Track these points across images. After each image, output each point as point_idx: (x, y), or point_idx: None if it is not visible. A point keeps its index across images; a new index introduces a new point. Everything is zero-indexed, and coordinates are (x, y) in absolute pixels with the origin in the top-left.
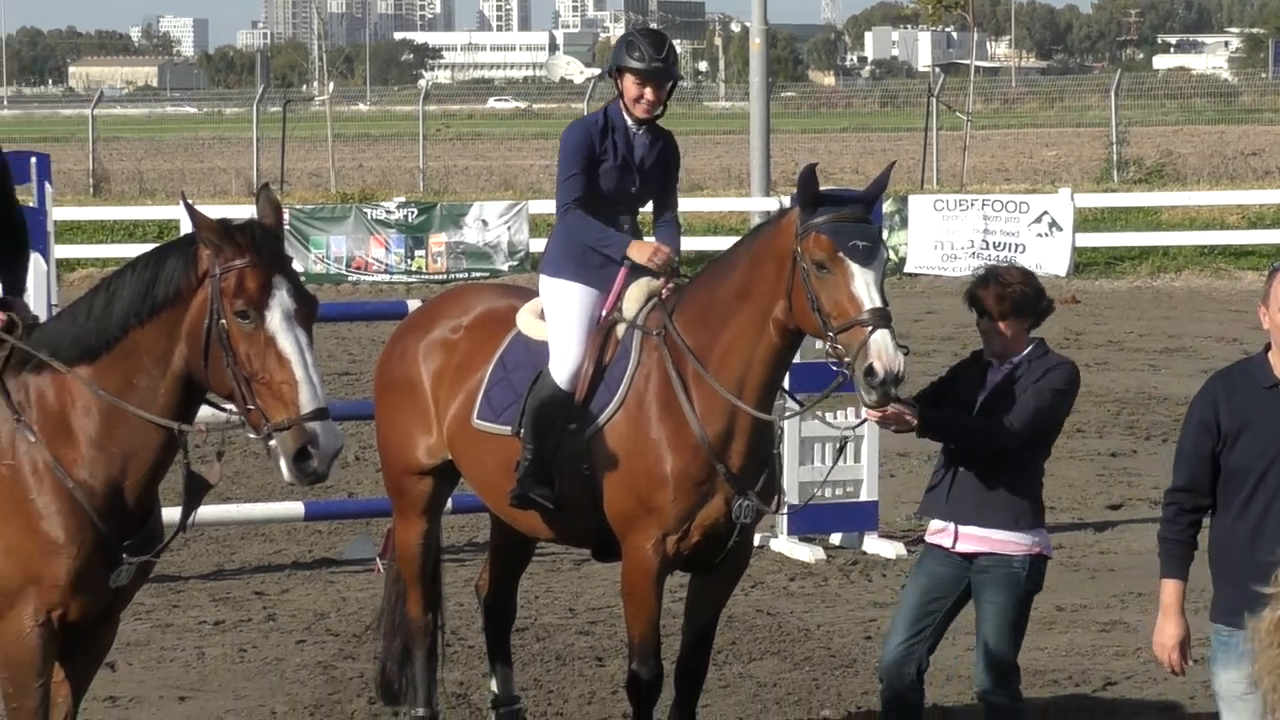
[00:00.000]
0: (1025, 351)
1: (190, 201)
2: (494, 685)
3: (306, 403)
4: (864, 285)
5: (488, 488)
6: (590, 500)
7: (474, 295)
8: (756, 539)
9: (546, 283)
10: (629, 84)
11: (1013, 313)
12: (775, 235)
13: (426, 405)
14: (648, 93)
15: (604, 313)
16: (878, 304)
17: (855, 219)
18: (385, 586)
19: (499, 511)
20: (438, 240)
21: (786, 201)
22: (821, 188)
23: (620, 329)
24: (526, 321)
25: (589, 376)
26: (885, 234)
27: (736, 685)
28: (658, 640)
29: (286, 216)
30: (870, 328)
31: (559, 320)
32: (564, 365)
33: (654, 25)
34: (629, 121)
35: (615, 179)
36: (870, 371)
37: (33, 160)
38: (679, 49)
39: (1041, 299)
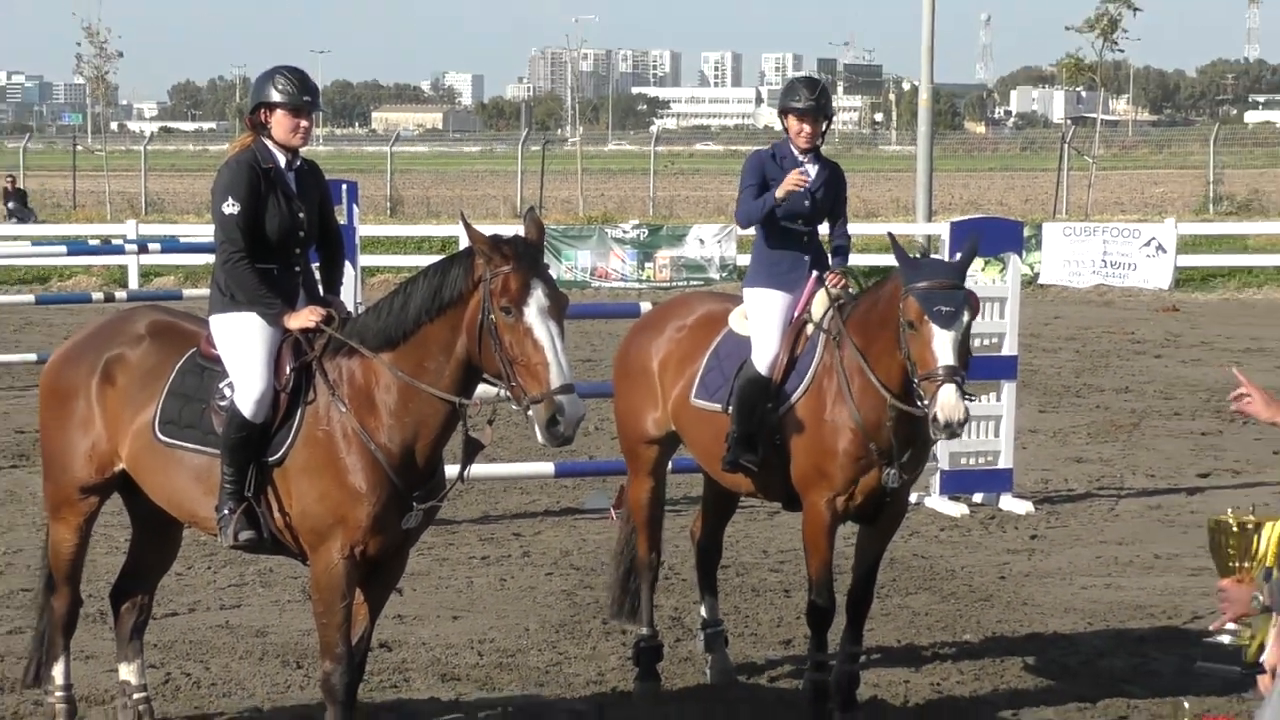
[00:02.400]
0: None
1: (468, 221)
2: (703, 611)
3: (555, 380)
4: (941, 344)
5: (703, 453)
6: (782, 464)
7: (695, 301)
8: (914, 498)
9: (750, 292)
10: (791, 121)
11: None
12: (887, 295)
13: (655, 388)
14: (806, 127)
15: (796, 313)
16: (950, 362)
17: (944, 286)
18: (619, 531)
19: (712, 472)
20: (663, 255)
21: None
22: (924, 255)
23: (809, 328)
24: (736, 321)
25: (784, 365)
26: (1023, 254)
27: (896, 614)
28: (830, 577)
29: (548, 234)
30: (940, 382)
31: (760, 320)
32: (764, 356)
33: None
34: (795, 152)
35: (790, 200)
36: (934, 420)
37: (344, 187)
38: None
39: None
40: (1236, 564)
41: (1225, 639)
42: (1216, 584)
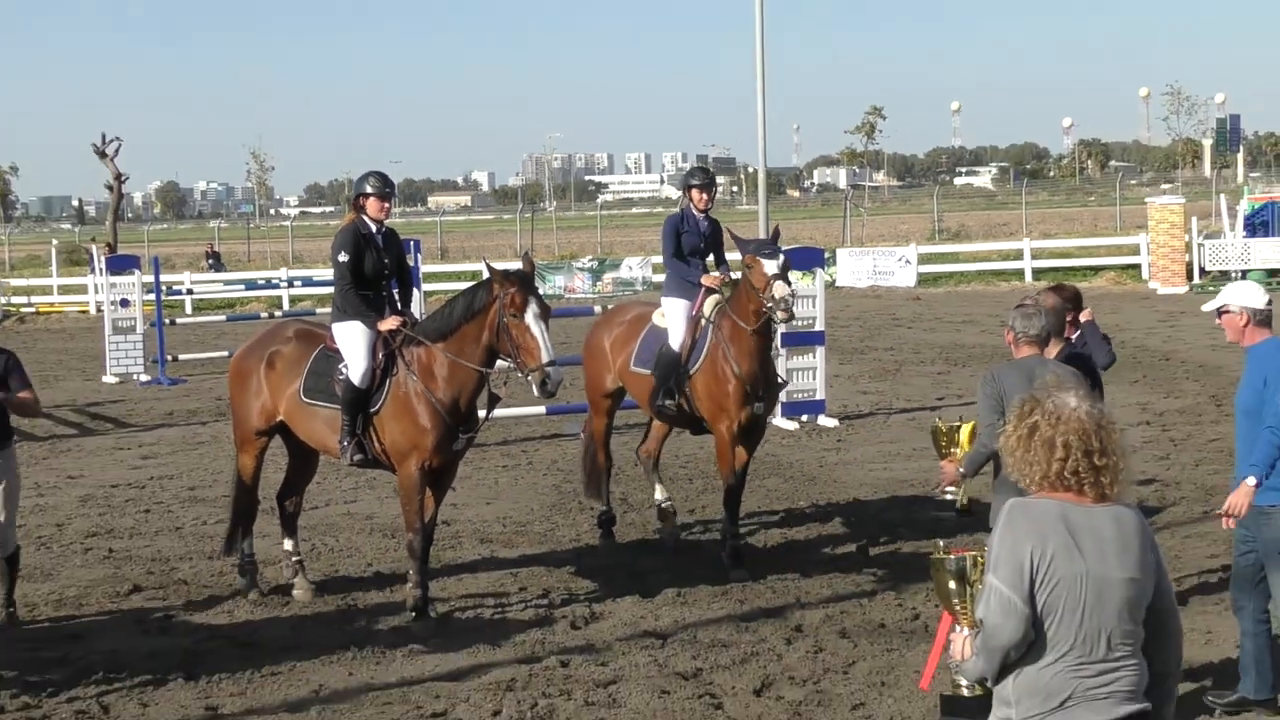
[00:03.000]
0: None
1: (489, 263)
2: (657, 495)
3: (544, 358)
4: (769, 267)
5: (640, 399)
6: (690, 406)
7: (631, 307)
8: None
9: (665, 300)
10: (694, 193)
11: None
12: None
13: (608, 361)
14: (705, 195)
15: (694, 313)
16: (776, 272)
17: (766, 243)
18: (582, 447)
19: (648, 411)
20: (608, 277)
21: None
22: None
23: (703, 322)
24: (657, 318)
25: (688, 345)
26: (825, 268)
27: (755, 491)
28: (735, 472)
29: (537, 267)
30: (771, 282)
31: (672, 318)
32: (675, 339)
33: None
34: (696, 213)
35: (692, 243)
36: (771, 300)
37: (412, 243)
38: (722, 181)
39: None
40: (947, 451)
41: (948, 496)
42: (939, 464)
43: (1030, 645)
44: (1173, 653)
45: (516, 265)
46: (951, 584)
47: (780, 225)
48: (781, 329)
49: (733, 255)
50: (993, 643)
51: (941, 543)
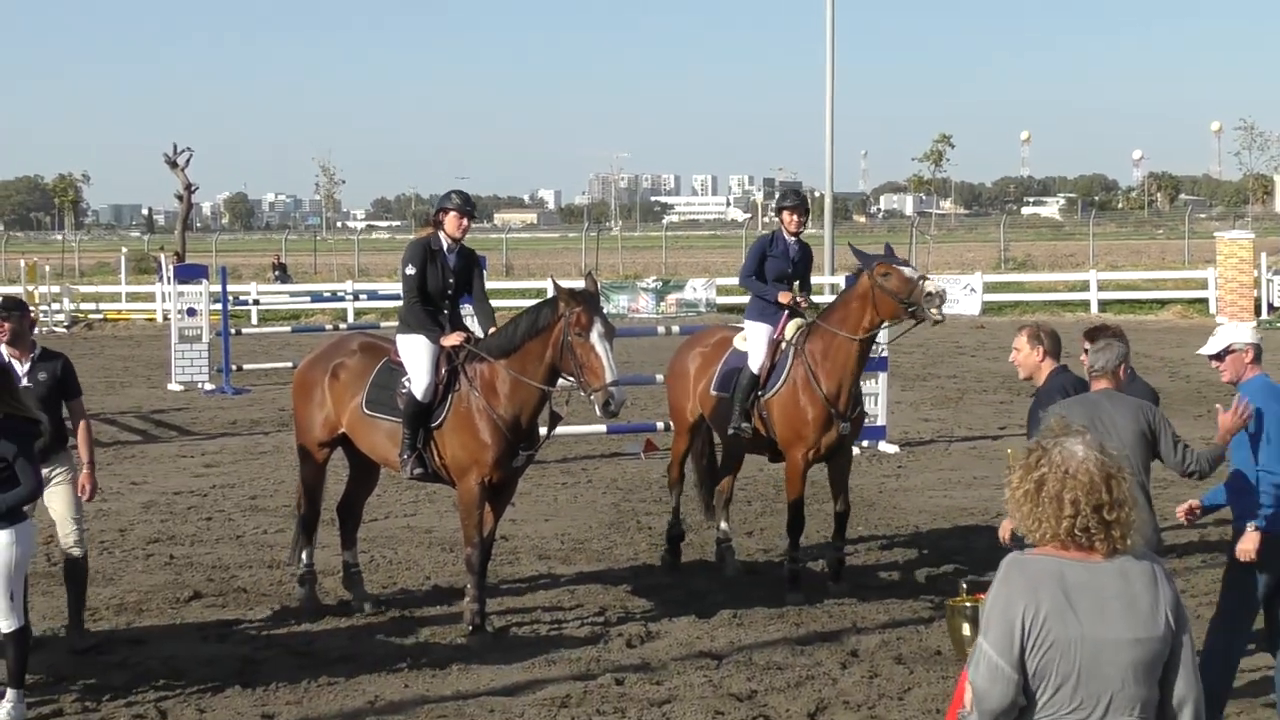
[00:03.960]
0: None
1: (557, 281)
2: (722, 526)
3: (609, 378)
4: (911, 272)
5: (720, 425)
6: (767, 430)
7: (714, 330)
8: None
9: (748, 323)
10: (786, 215)
11: None
12: (857, 286)
13: (690, 385)
14: (795, 218)
15: (775, 336)
16: (920, 273)
17: (889, 254)
18: (693, 469)
19: (719, 433)
20: (671, 298)
21: (842, 280)
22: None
23: (783, 344)
24: (739, 342)
25: (767, 369)
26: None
27: (816, 515)
28: (802, 503)
29: (600, 286)
30: (921, 280)
31: (753, 341)
32: (755, 362)
33: (776, 193)
34: (787, 237)
35: (779, 268)
36: (929, 295)
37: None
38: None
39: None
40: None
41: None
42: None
43: (1023, 710)
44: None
45: (581, 284)
46: (965, 630)
47: (846, 252)
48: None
49: (826, 279)
50: (982, 707)
51: (964, 584)
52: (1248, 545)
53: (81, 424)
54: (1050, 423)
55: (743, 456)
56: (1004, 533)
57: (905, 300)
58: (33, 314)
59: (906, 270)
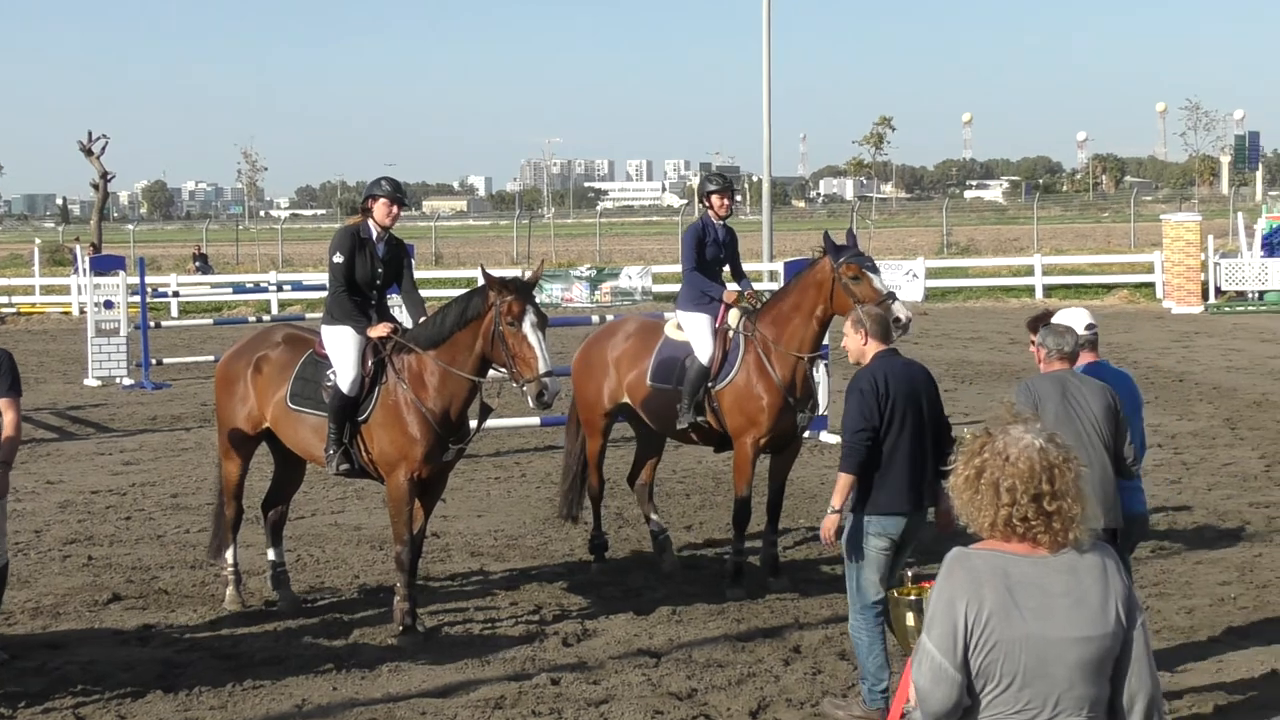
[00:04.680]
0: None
1: (487, 270)
2: (652, 526)
3: (542, 368)
4: (879, 282)
5: (658, 417)
6: (719, 422)
7: (631, 321)
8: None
9: (683, 314)
10: (714, 199)
11: None
12: (815, 272)
13: (611, 374)
14: (725, 202)
15: (718, 325)
16: (890, 289)
17: (861, 253)
18: (568, 470)
19: (664, 430)
20: (606, 286)
21: (782, 266)
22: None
23: (730, 333)
24: (671, 331)
25: (719, 358)
26: None
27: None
28: (751, 493)
29: (539, 275)
30: (891, 301)
31: (696, 331)
32: (704, 353)
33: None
34: (715, 222)
35: (714, 253)
36: (897, 321)
37: (407, 247)
38: None
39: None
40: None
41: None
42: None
43: (967, 710)
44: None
45: (515, 272)
46: (910, 621)
47: (784, 237)
48: None
49: (756, 265)
50: (925, 708)
51: (909, 572)
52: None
53: (10, 423)
54: (999, 410)
55: (662, 445)
56: (826, 530)
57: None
58: None
59: (877, 282)
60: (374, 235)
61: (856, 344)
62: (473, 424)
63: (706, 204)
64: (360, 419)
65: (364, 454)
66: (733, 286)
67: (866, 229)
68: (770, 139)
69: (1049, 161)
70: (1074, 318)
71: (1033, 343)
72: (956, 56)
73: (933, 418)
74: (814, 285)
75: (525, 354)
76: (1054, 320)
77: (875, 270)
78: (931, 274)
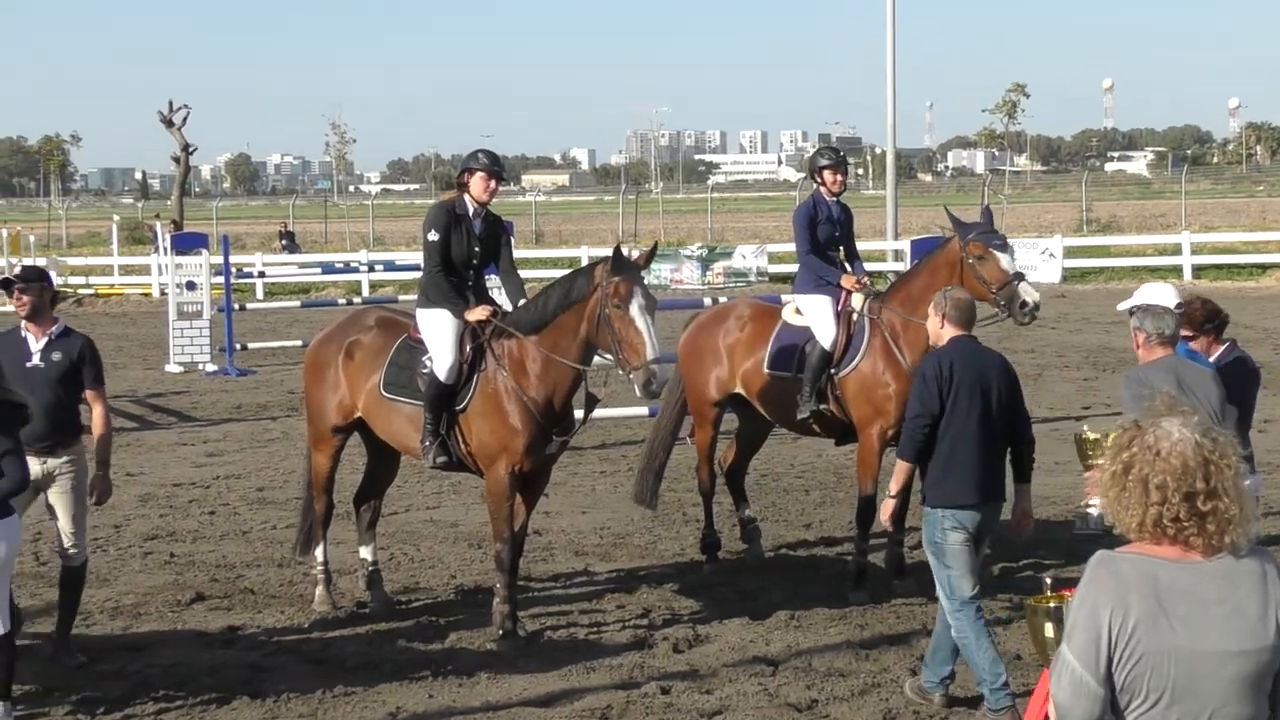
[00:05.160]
0: None
1: (621, 244)
2: (743, 513)
3: (650, 354)
4: (1006, 262)
5: (776, 407)
6: (842, 411)
7: (746, 303)
8: None
9: (802, 297)
10: (826, 175)
11: None
12: (946, 252)
13: (724, 362)
14: (837, 177)
15: (839, 309)
16: (1019, 269)
17: (991, 230)
18: (652, 448)
19: (783, 422)
20: (718, 266)
21: (908, 245)
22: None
23: (855, 316)
24: (790, 316)
25: (842, 343)
26: None
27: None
28: (876, 489)
29: (651, 256)
30: (1016, 282)
31: (817, 315)
32: (827, 338)
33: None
34: (828, 198)
35: (827, 232)
36: (1023, 305)
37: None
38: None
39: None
40: (1094, 462)
41: (1092, 511)
42: (1084, 475)
43: None
44: None
45: (630, 251)
46: (1048, 631)
47: (910, 214)
48: None
49: (876, 244)
50: None
51: (1048, 578)
52: None
53: (99, 417)
54: (1155, 401)
55: (763, 437)
56: (885, 514)
57: (996, 291)
58: (58, 288)
59: (1003, 260)
60: (470, 212)
61: (934, 327)
62: (578, 415)
63: (818, 180)
64: (458, 408)
65: (462, 446)
66: (852, 274)
67: (999, 204)
68: (894, 108)
69: (1198, 131)
70: (1160, 294)
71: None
72: (1096, 17)
73: (1006, 409)
74: (945, 266)
75: (632, 339)
76: (1139, 298)
77: (1003, 248)
78: (1070, 253)
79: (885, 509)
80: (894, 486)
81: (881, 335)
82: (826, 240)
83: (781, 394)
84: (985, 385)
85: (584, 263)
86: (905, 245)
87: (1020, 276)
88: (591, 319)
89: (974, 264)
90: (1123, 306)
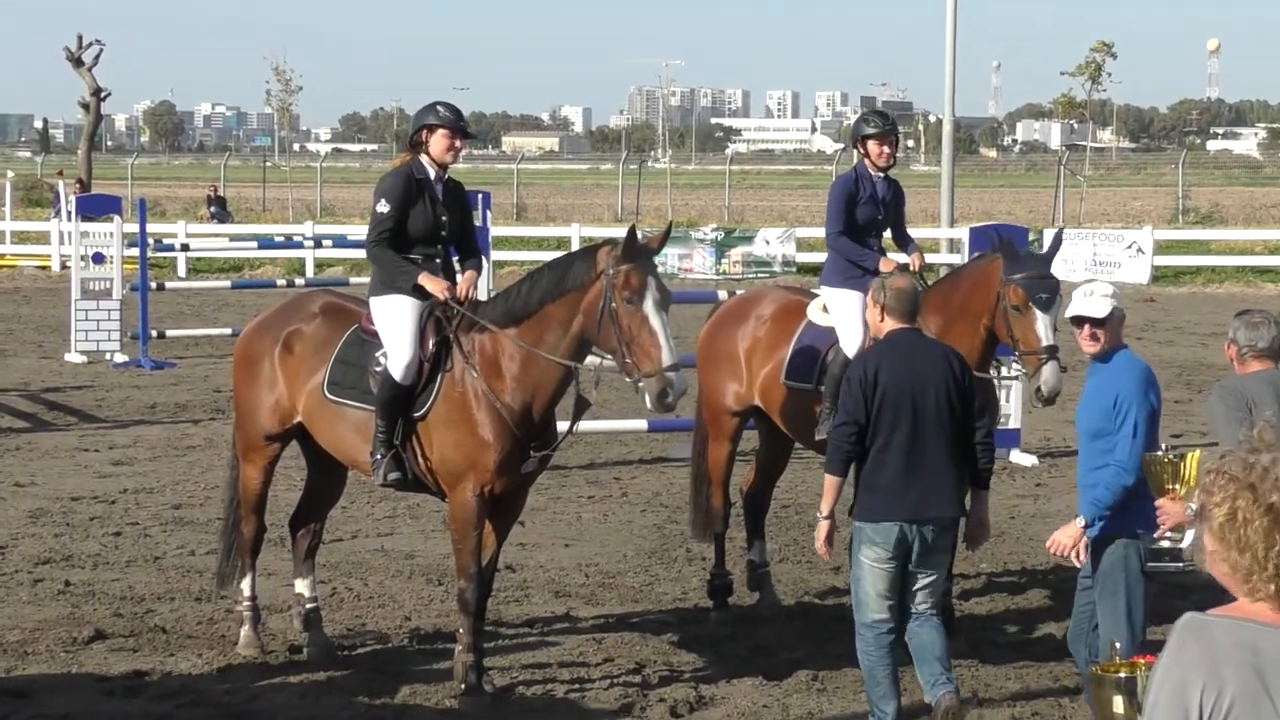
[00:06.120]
0: None
1: (635, 226)
2: (752, 554)
3: (666, 360)
4: (1043, 327)
5: (792, 423)
6: None
7: (769, 295)
8: None
9: (829, 291)
10: (871, 145)
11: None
12: (986, 270)
13: (740, 370)
14: (884, 149)
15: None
16: (1052, 342)
17: (1042, 276)
18: (694, 481)
19: (804, 441)
20: (736, 253)
21: (966, 234)
22: (1019, 248)
23: None
24: (815, 314)
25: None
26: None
27: None
28: None
29: (665, 239)
30: (1045, 360)
31: (843, 314)
32: (852, 344)
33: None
34: (873, 173)
35: (868, 214)
36: (1038, 391)
37: (480, 196)
38: None
39: None
40: (1169, 487)
41: (1165, 543)
42: (1156, 503)
43: None
44: None
45: (618, 233)
46: (1119, 706)
47: (969, 196)
48: None
49: (930, 231)
50: None
51: (1117, 644)
52: (1065, 537)
53: None
54: (1258, 430)
55: (784, 462)
56: (819, 540)
57: (1019, 354)
58: None
59: (1040, 326)
60: (431, 176)
61: (873, 320)
62: (562, 426)
63: (861, 151)
64: (417, 415)
65: (420, 460)
66: (896, 256)
67: (1077, 186)
68: (954, 67)
69: None
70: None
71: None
72: None
73: (947, 413)
74: (982, 287)
75: (645, 341)
76: (1077, 306)
77: (1048, 306)
78: (1161, 248)
79: (819, 532)
80: (824, 506)
81: None
82: (867, 223)
83: (801, 408)
84: (919, 388)
85: (575, 245)
86: (963, 233)
87: (1053, 353)
88: (590, 313)
89: (1009, 310)
90: (1074, 311)
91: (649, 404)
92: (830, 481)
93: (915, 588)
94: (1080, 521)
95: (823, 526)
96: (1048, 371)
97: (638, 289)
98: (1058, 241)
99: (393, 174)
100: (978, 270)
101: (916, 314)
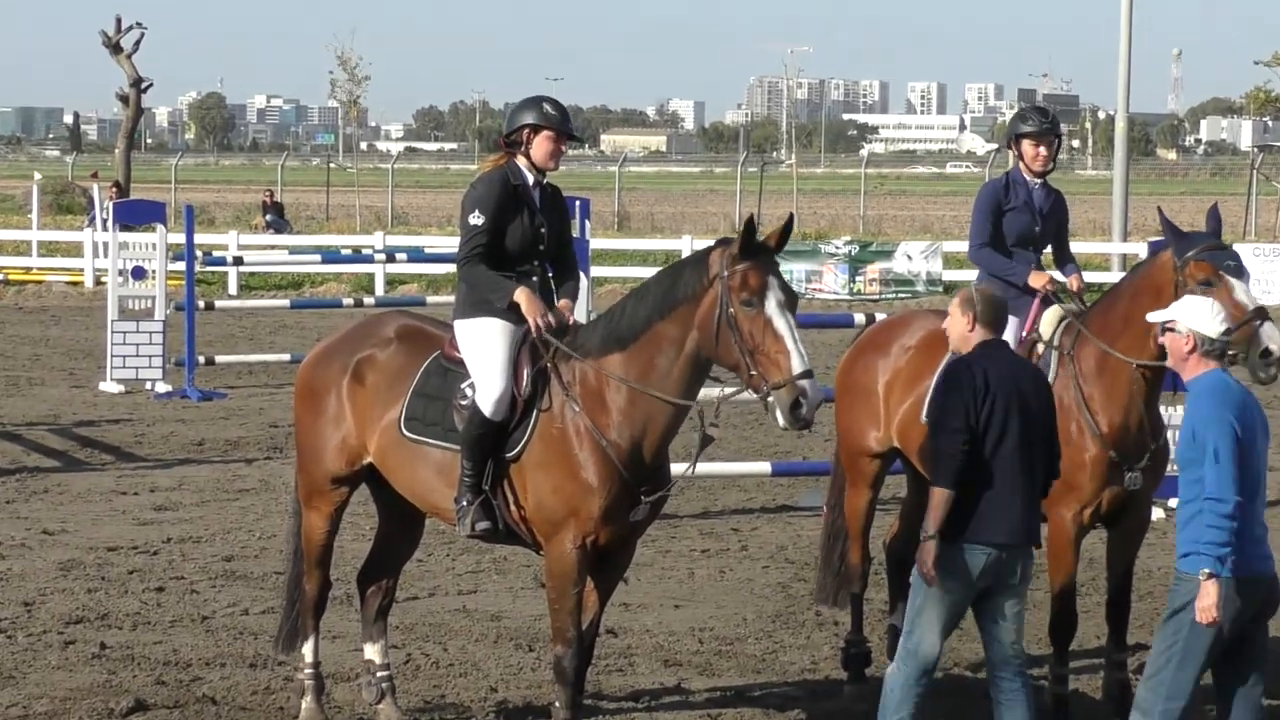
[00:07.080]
0: None
1: (754, 219)
2: (893, 619)
3: (797, 367)
4: (1242, 292)
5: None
6: None
7: (917, 321)
8: None
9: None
10: (1027, 146)
11: None
12: (1153, 271)
13: (879, 407)
14: (1041, 151)
15: (1025, 333)
16: (1260, 303)
17: (1220, 247)
18: (826, 532)
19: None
20: (873, 269)
21: (1144, 249)
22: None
23: (1039, 347)
24: None
25: None
26: None
27: (1094, 612)
28: (1075, 589)
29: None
30: (1259, 322)
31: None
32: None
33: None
34: (1028, 178)
35: (1022, 225)
36: (1265, 353)
37: (577, 203)
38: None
39: None
40: None
41: None
42: None
43: None
44: None
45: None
46: None
47: (1146, 204)
48: None
49: (1101, 246)
50: None
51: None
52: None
53: None
54: None
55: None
56: (925, 562)
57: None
58: None
59: (1239, 290)
60: (529, 181)
61: (960, 328)
62: (676, 467)
63: (1016, 152)
64: (509, 455)
65: (512, 508)
66: (1055, 274)
67: (1273, 195)
68: (1129, 56)
69: None
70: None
71: None
72: None
73: (1044, 432)
74: (1150, 290)
75: (770, 347)
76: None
77: (1239, 272)
78: None
79: (924, 554)
80: (931, 524)
81: (1072, 381)
82: (1022, 235)
83: None
84: (1023, 402)
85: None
86: (1140, 248)
87: (1263, 314)
88: (706, 326)
89: (1198, 290)
90: (1155, 318)
91: (781, 420)
92: (940, 496)
93: (1002, 621)
94: (1204, 574)
95: (928, 547)
96: (1266, 330)
97: (757, 289)
98: (1216, 216)
99: (485, 180)
100: (1141, 274)
101: (1005, 326)
